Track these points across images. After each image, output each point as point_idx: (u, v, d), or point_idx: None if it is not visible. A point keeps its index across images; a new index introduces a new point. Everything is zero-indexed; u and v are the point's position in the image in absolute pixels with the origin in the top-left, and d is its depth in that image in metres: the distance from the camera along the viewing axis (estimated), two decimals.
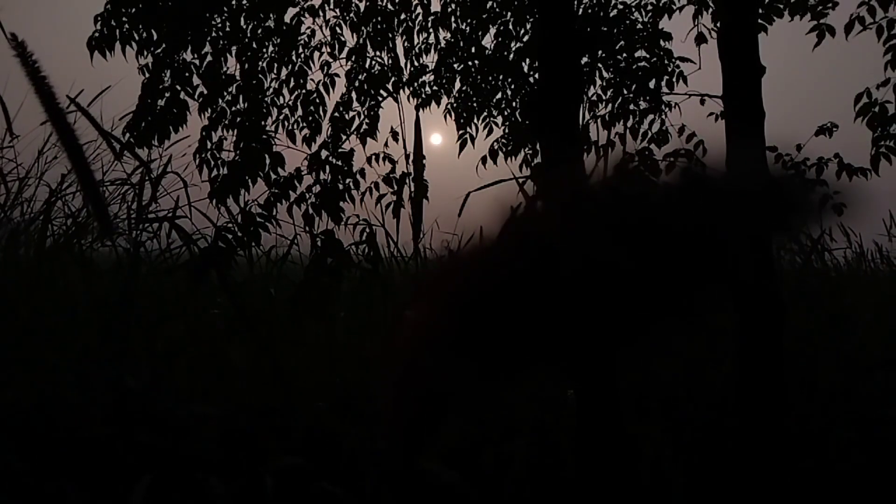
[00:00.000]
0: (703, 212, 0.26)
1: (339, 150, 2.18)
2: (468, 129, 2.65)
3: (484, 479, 1.56)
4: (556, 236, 0.26)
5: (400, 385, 0.31)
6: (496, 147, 2.61)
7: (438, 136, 2.95)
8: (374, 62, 2.55)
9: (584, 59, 2.27)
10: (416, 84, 2.62)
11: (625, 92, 2.39)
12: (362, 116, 2.46)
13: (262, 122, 2.36)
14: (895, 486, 1.56)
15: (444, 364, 0.28)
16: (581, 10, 2.29)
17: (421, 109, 2.61)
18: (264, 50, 2.40)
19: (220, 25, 2.33)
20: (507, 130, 2.63)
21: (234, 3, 2.30)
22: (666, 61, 2.37)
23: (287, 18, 2.43)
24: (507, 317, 0.27)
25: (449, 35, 2.63)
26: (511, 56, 2.58)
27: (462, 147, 2.62)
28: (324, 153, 2.19)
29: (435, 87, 2.64)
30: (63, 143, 0.88)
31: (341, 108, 2.46)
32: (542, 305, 0.26)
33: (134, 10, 2.23)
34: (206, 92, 2.34)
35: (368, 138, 2.42)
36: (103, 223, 1.06)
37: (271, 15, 2.37)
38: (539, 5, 1.44)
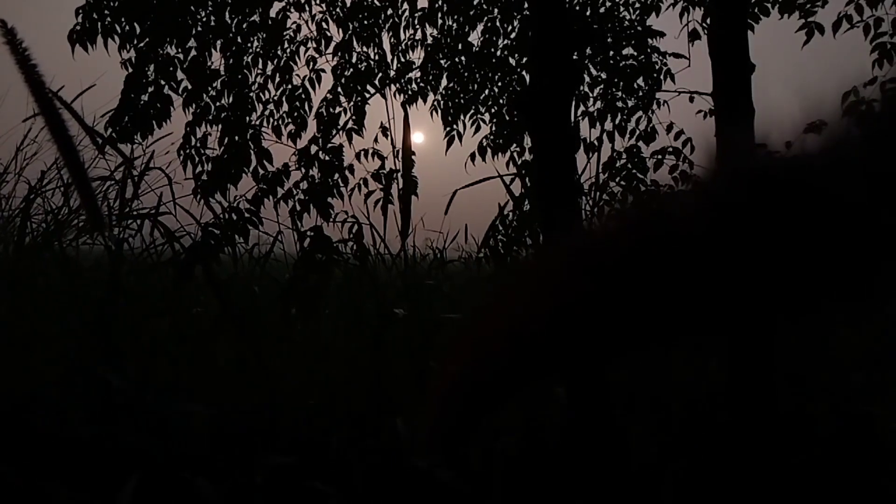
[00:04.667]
0: None
1: (329, 146, 2.16)
2: (455, 126, 2.64)
3: (472, 477, 1.55)
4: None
5: (477, 363, 0.29)
6: (485, 144, 2.60)
7: (420, 134, 2.93)
8: (360, 58, 2.53)
9: (574, 56, 2.27)
10: (402, 81, 2.60)
11: (612, 90, 2.40)
12: (349, 113, 2.44)
13: (248, 118, 2.34)
14: (880, 482, 1.57)
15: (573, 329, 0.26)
16: (569, 8, 2.29)
17: (407, 106, 2.59)
18: (249, 45, 2.37)
19: (204, 19, 2.29)
20: (493, 128, 2.63)
21: None
22: (654, 58, 2.38)
23: (273, 13, 2.40)
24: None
25: (436, 31, 2.62)
26: (498, 53, 2.58)
27: (449, 144, 2.61)
28: (313, 148, 2.17)
29: (421, 84, 2.63)
30: (52, 133, 0.85)
31: (327, 104, 2.43)
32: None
33: (116, 2, 2.19)
34: (190, 87, 2.31)
35: (355, 134, 2.40)
36: (94, 216, 1.04)
37: (257, 9, 2.34)
38: (532, 2, 1.43)
